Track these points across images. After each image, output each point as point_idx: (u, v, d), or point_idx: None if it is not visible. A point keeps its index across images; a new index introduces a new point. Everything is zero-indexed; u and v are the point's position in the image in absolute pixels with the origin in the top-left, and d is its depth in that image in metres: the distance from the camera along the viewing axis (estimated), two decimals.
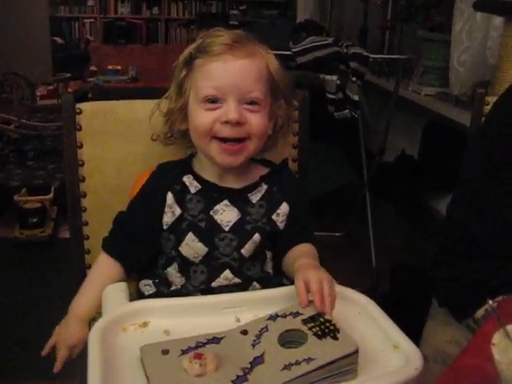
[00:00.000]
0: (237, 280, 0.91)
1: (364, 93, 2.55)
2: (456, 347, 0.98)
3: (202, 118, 0.88)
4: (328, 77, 2.35)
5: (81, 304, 0.90)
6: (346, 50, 2.38)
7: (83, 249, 1.12)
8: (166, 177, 0.94)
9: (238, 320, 0.80)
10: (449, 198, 1.09)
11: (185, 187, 0.92)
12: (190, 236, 0.89)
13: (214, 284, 0.90)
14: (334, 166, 3.15)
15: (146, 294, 0.93)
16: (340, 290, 0.82)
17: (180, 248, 0.90)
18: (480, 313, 0.95)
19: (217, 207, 0.90)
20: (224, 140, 0.88)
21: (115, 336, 0.75)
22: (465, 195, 1.03)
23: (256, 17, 7.09)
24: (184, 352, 0.69)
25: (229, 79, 0.86)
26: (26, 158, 3.79)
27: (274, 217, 0.93)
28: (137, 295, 0.94)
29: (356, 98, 2.35)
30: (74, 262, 1.13)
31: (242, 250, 0.90)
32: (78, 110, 1.08)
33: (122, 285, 0.91)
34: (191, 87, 0.90)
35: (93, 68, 6.96)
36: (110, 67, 7.13)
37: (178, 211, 0.91)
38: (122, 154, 1.10)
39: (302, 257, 0.88)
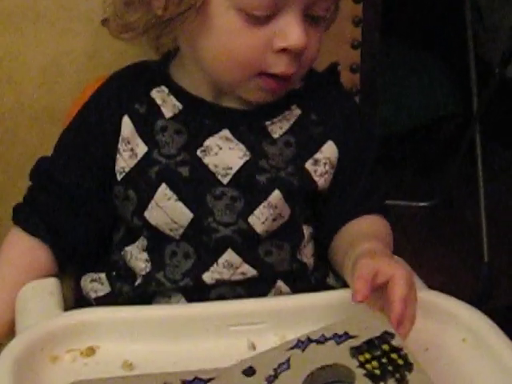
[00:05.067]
0: (247, 270, 0.66)
1: None
2: None
3: (243, 38, 0.63)
4: None
5: None
6: None
7: None
8: (122, 91, 0.71)
9: (253, 347, 0.59)
10: None
11: (154, 107, 0.70)
12: (164, 190, 0.66)
13: (206, 277, 0.66)
14: (423, 85, 2.21)
15: (94, 296, 0.71)
16: (429, 297, 0.62)
17: (146, 213, 0.67)
18: None
19: (209, 142, 0.68)
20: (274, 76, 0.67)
21: (39, 370, 0.55)
22: None
23: None
24: None
25: None
26: None
27: (308, 164, 0.68)
28: (76, 300, 0.72)
29: None
30: None
31: (251, 218, 0.66)
32: None
33: (50, 282, 0.69)
34: None
35: None
36: None
37: (141, 149, 0.69)
38: (51, 53, 0.84)
39: (366, 238, 0.64)
